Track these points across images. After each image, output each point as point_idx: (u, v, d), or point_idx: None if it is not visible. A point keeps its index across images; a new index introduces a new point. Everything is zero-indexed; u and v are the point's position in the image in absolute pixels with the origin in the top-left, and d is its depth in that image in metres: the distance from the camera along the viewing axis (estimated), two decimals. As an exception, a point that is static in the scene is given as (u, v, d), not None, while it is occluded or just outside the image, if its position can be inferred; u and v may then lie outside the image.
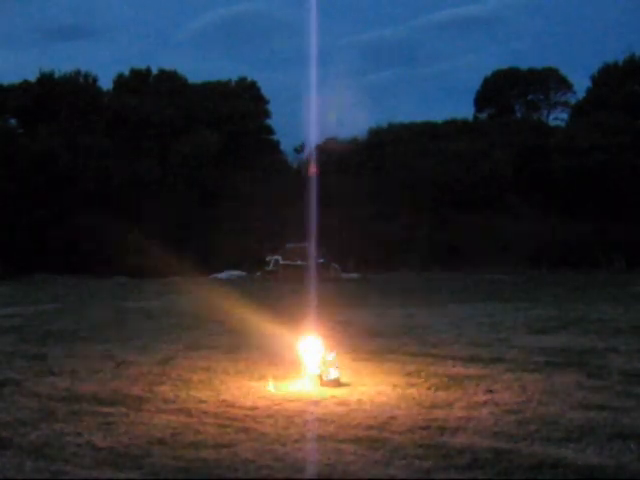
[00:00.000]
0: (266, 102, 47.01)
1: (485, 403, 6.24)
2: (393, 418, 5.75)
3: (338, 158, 38.94)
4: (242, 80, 47.52)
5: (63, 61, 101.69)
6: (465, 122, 46.04)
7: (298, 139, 45.68)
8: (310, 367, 7.35)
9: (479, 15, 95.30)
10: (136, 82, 43.99)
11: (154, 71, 45.30)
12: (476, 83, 47.77)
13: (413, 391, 6.79)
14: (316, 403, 6.36)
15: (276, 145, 47.15)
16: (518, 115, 48.14)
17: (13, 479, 4.49)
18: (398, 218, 36.48)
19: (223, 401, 6.49)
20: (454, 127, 44.31)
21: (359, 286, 24.59)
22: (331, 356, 7.30)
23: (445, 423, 5.55)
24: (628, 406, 6.04)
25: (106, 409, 6.20)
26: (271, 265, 31.22)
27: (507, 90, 47.69)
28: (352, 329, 11.70)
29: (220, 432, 5.40)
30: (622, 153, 35.78)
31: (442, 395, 6.60)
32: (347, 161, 39.65)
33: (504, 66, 48.55)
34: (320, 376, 7.16)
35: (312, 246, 29.96)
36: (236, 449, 4.95)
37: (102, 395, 6.79)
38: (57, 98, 40.42)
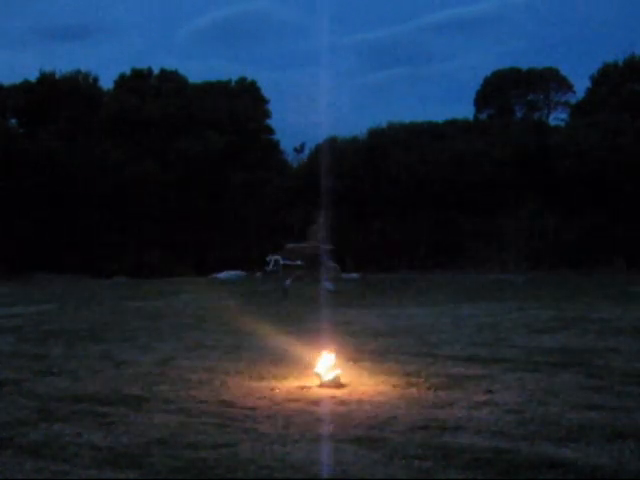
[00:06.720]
0: (266, 102, 47.00)
1: (485, 403, 6.24)
2: (393, 418, 5.74)
3: (338, 158, 38.96)
4: (242, 80, 47.54)
5: (63, 61, 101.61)
6: (465, 122, 46.03)
7: (298, 139, 45.67)
8: (310, 367, 7.35)
9: (479, 15, 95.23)
10: (137, 82, 43.98)
11: (155, 71, 45.32)
12: (476, 83, 47.78)
13: (413, 391, 6.79)
14: (316, 403, 6.36)
15: (276, 145, 47.15)
16: (518, 115, 48.13)
17: (13, 479, 4.48)
18: (398, 218, 36.49)
19: (223, 401, 6.48)
20: (454, 127, 44.29)
21: (359, 286, 24.55)
22: (331, 356, 7.29)
23: (445, 423, 5.55)
24: (628, 406, 6.04)
25: (106, 409, 6.20)
26: (271, 265, 31.17)
27: (507, 90, 47.69)
28: (352, 329, 11.70)
29: (220, 432, 5.39)
30: (622, 153, 35.75)
31: (442, 395, 6.60)
32: (347, 161, 39.65)
33: (504, 66, 48.57)
34: (320, 376, 7.16)
35: (312, 246, 30.02)
36: (236, 449, 4.95)
37: (102, 395, 6.79)
38: (57, 98, 40.41)
